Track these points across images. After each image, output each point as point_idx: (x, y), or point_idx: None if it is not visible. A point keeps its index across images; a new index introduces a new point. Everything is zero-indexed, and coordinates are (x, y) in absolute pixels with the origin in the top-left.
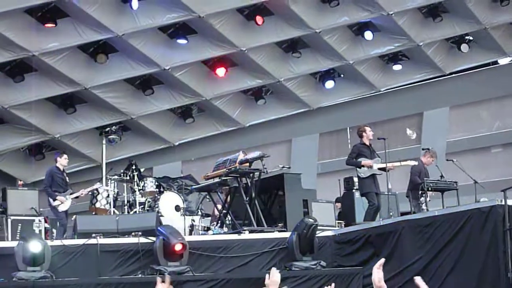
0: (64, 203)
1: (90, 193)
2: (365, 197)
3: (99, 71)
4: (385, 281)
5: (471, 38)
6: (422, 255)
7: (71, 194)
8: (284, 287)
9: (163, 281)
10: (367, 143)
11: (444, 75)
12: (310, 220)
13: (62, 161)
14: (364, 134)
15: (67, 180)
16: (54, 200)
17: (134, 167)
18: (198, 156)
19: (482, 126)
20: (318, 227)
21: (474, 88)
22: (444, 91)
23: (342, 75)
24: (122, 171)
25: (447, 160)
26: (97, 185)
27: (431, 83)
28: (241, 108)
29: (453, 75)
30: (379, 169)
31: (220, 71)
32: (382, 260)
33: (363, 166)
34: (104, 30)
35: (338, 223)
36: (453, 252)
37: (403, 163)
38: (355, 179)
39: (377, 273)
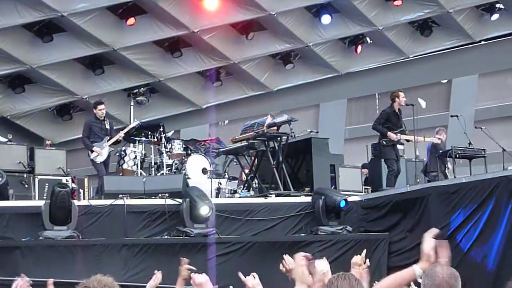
0: (101, 154)
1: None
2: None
3: (128, 32)
4: (411, 248)
5: (501, 6)
6: (448, 222)
7: (108, 141)
8: None
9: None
10: (397, 109)
11: (474, 43)
12: (338, 197)
13: (97, 112)
14: (396, 99)
15: (108, 127)
16: (92, 151)
17: (162, 129)
18: (225, 120)
19: (510, 94)
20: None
21: (504, 56)
22: (473, 58)
23: (371, 41)
24: (149, 132)
25: (475, 127)
26: (134, 123)
27: (461, 50)
28: (269, 72)
29: (483, 42)
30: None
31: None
32: (436, 230)
33: (388, 137)
34: None
35: (364, 188)
36: (479, 219)
37: (426, 139)
38: None
39: (429, 242)
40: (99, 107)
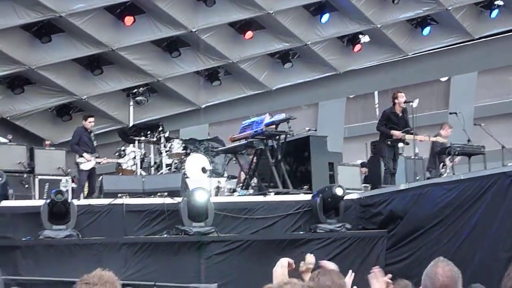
0: (88, 162)
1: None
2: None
3: (126, 32)
4: (406, 243)
5: (500, 2)
6: (442, 218)
7: (97, 157)
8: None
9: None
10: (398, 110)
11: (473, 40)
12: (340, 190)
13: (86, 124)
14: (395, 100)
15: (94, 143)
16: (80, 156)
17: (161, 128)
18: (224, 119)
19: (510, 92)
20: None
21: (503, 53)
22: (473, 56)
23: (369, 39)
24: (148, 132)
25: (474, 124)
26: (120, 160)
27: (460, 47)
28: (268, 71)
29: (482, 39)
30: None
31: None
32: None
33: (392, 135)
34: None
35: (364, 186)
36: (473, 215)
37: (432, 138)
38: None
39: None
40: (90, 119)
